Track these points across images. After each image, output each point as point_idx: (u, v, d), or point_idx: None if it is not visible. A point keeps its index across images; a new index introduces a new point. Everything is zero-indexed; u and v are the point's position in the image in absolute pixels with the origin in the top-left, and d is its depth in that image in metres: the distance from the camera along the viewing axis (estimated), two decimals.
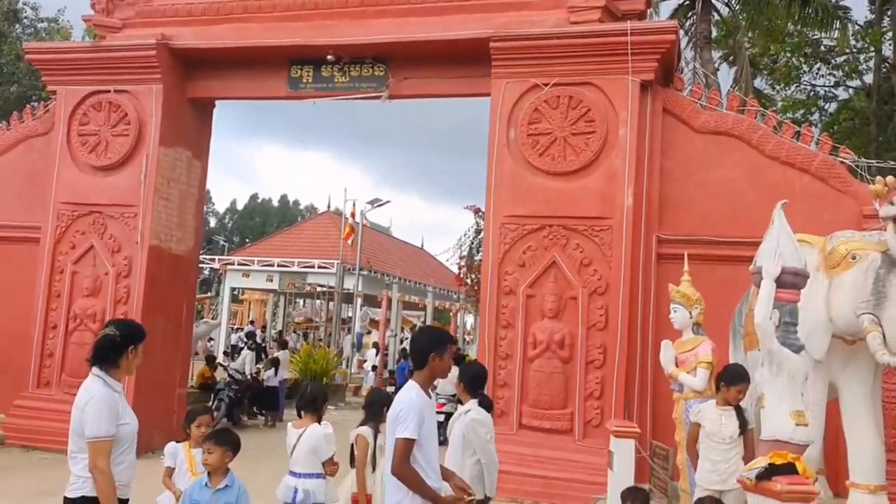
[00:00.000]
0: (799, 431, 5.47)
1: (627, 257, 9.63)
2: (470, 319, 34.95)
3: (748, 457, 5.70)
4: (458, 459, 5.42)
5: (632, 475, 6.98)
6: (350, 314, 32.29)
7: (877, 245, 6.56)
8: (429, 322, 34.11)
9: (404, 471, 4.09)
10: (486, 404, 5.75)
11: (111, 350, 4.22)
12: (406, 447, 4.08)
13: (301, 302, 38.43)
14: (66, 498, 4.19)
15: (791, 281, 5.72)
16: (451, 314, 32.05)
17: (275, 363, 16.03)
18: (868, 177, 8.92)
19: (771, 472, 4.76)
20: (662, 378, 8.26)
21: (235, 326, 30.05)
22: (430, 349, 4.28)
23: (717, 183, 9.86)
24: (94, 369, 4.24)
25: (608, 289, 9.73)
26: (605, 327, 9.71)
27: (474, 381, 5.62)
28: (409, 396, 4.21)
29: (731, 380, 6.08)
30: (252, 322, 31.14)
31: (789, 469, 4.77)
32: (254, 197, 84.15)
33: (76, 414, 4.14)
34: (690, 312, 7.23)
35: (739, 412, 5.97)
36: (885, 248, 6.45)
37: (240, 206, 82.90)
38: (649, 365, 9.53)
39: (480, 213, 17.12)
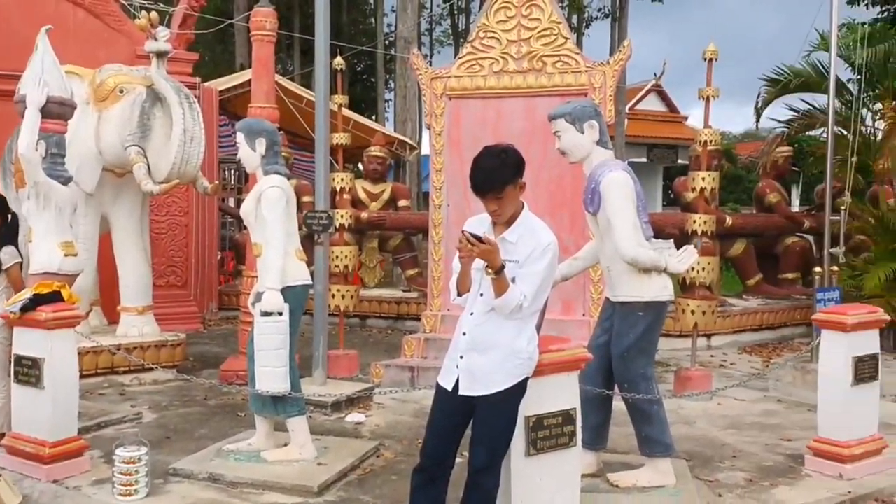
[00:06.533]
0: (68, 262, 5.51)
1: None
2: None
3: (16, 291, 5.49)
4: None
5: None
6: None
7: (143, 79, 6.80)
8: None
9: None
10: None
11: None
12: None
13: None
14: None
15: (57, 111, 5.56)
16: None
17: None
18: (139, 17, 9.08)
19: (36, 302, 4.68)
20: None
21: None
22: None
23: None
24: None
25: None
26: None
27: None
28: None
29: None
30: None
31: (55, 297, 4.76)
32: None
33: None
34: None
35: None
36: (150, 82, 6.74)
37: None
38: None
39: None
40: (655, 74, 28.96)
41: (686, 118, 30.65)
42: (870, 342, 4.80)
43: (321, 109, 6.56)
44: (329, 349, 6.77)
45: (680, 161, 27.83)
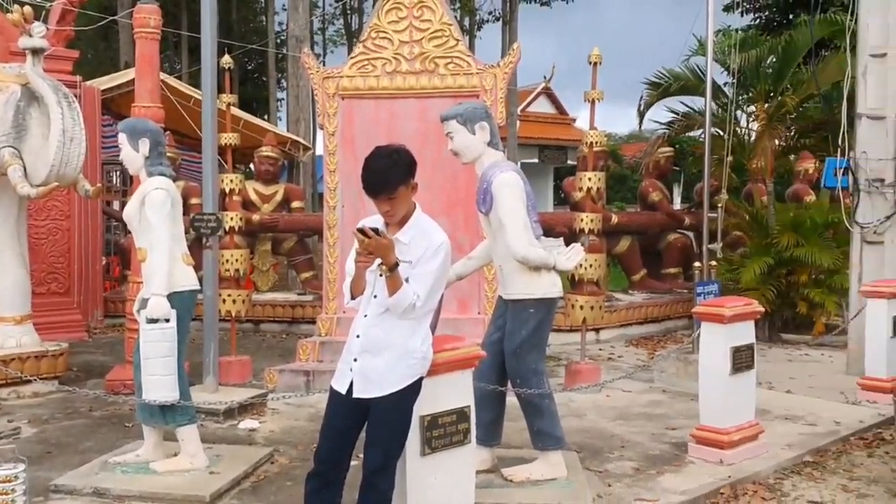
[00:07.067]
0: None
1: None
2: None
3: None
4: None
5: None
6: None
7: (17, 77, 6.45)
8: None
9: None
10: None
11: None
12: None
13: None
14: None
15: None
16: None
17: None
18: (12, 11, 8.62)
19: None
20: None
21: None
22: None
23: None
24: None
25: None
26: None
27: None
28: None
29: None
30: None
31: None
32: None
33: None
34: None
35: None
36: (25, 80, 6.40)
37: None
38: None
39: None
40: (545, 77, 29.77)
41: (575, 120, 31.53)
42: (746, 333, 5.07)
43: (208, 109, 6.40)
44: (221, 355, 6.61)
45: (570, 162, 28.60)
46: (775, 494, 4.55)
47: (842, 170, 7.48)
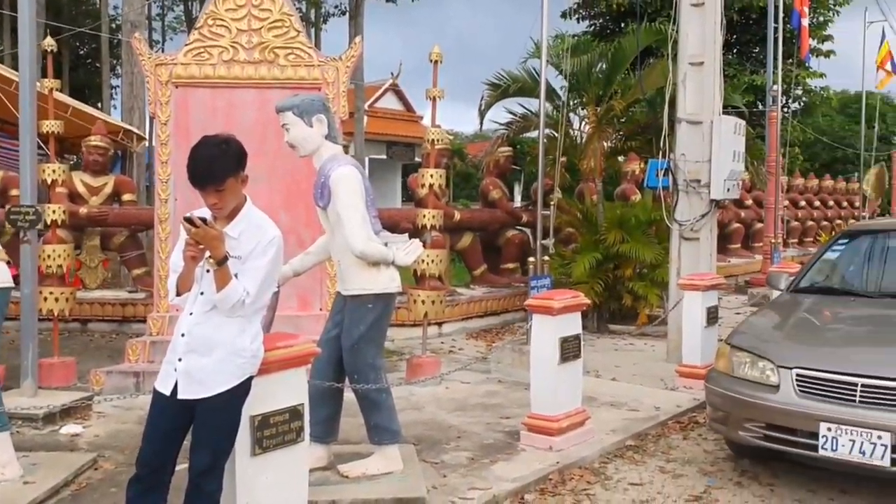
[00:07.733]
0: None
1: None
2: None
3: None
4: None
5: None
6: None
7: None
8: None
9: None
10: None
11: None
12: None
13: None
14: None
15: None
16: None
17: None
18: None
19: None
20: None
21: None
22: None
23: None
24: None
25: None
26: None
27: None
28: None
29: None
30: None
31: None
32: None
33: None
34: None
35: None
36: None
37: None
38: None
39: None
40: (392, 74, 29.88)
41: (422, 117, 31.81)
42: (573, 324, 5.31)
43: (26, 93, 5.95)
44: (42, 357, 6.20)
45: (417, 158, 28.84)
46: (599, 478, 4.80)
47: (663, 171, 7.98)
